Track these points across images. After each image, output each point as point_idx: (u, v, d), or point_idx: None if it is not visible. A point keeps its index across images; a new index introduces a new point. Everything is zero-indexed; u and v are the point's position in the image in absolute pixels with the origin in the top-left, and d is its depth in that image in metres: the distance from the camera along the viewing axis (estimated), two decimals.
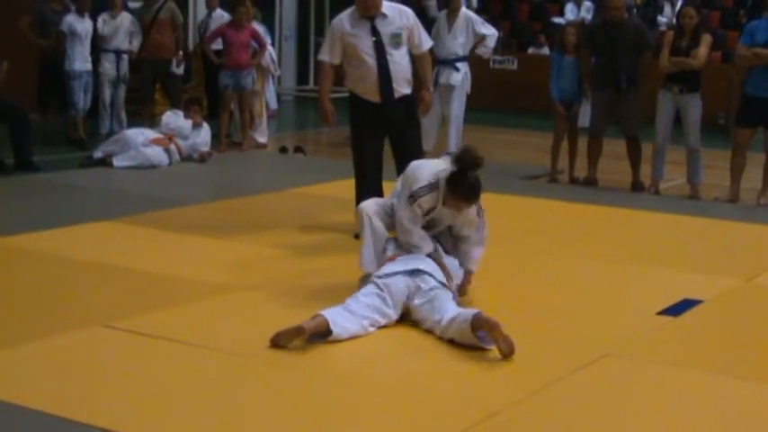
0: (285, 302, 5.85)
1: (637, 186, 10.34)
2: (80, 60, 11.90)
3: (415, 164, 6.00)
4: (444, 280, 5.66)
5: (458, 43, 11.11)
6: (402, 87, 7.45)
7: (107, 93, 12.30)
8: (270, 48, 12.85)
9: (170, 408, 4.38)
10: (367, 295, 5.49)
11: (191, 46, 13.65)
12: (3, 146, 10.13)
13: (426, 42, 7.64)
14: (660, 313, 6.00)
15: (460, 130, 11.53)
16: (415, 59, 7.60)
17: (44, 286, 6.16)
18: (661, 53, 9.91)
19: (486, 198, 9.00)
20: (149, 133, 10.85)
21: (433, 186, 5.75)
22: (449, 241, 6.05)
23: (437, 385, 4.79)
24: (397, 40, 7.37)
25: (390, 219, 6.00)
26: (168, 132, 10.90)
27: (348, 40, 7.36)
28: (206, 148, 11.19)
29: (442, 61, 10.78)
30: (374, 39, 7.32)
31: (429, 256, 5.78)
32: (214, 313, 5.69)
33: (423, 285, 5.54)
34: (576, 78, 10.46)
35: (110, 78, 12.25)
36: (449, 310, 5.37)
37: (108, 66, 12.20)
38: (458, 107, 11.32)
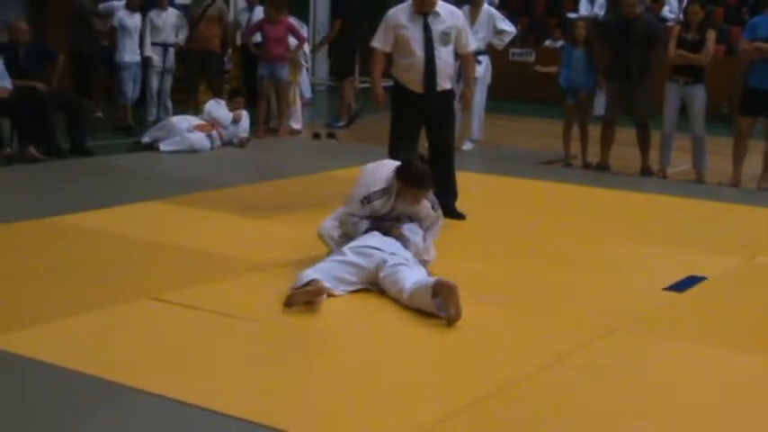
0: None
1: (646, 171, 10.28)
2: (130, 53, 11.97)
3: (371, 166, 6.01)
4: (410, 256, 5.66)
5: (479, 38, 11.05)
6: (444, 82, 7.47)
7: (155, 82, 12.33)
8: None
9: (209, 373, 4.38)
10: (333, 261, 5.56)
11: (238, 40, 13.72)
12: (60, 132, 10.16)
13: (472, 44, 7.74)
14: (666, 289, 5.96)
15: (482, 118, 11.51)
16: (459, 58, 7.71)
17: (96, 261, 6.19)
18: (668, 46, 9.86)
19: (503, 181, 8.94)
20: (193, 120, 10.89)
21: (386, 190, 5.82)
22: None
23: (444, 358, 4.76)
24: (446, 38, 7.41)
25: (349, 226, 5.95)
26: (210, 120, 10.92)
27: (400, 32, 7.39)
28: (245, 135, 11.20)
29: None
30: (425, 34, 7.35)
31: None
32: (254, 288, 5.69)
33: (389, 261, 5.52)
34: (585, 68, 10.37)
35: (157, 69, 12.27)
36: (408, 279, 5.35)
37: (156, 58, 12.22)
38: (480, 97, 11.28)
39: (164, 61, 12.27)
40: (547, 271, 6.33)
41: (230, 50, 13.00)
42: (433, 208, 6.01)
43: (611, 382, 4.50)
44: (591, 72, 10.37)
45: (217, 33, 12.41)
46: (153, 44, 12.17)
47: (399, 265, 5.52)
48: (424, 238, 5.97)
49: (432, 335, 5.06)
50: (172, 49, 12.35)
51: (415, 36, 7.36)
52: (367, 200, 5.83)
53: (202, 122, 10.85)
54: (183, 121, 10.78)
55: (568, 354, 4.79)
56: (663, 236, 7.46)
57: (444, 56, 7.43)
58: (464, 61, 7.85)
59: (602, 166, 10.45)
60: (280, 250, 6.46)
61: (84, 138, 10.29)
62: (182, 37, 12.39)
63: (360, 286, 5.56)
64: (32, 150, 9.70)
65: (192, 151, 10.48)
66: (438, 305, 5.15)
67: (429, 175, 5.84)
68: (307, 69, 14.08)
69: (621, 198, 8.99)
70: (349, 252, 5.62)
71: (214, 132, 10.83)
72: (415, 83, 7.43)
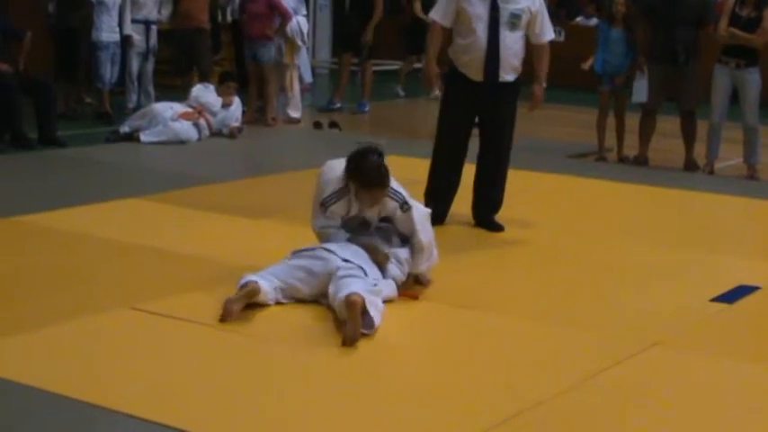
0: None
1: (690, 166, 10.27)
2: (107, 31, 11.90)
3: (328, 164, 5.89)
4: (367, 269, 5.50)
5: None
6: (507, 73, 7.22)
7: (135, 65, 12.34)
8: (300, 18, 12.74)
9: (195, 393, 4.41)
10: (282, 265, 5.58)
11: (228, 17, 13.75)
12: (27, 120, 10.19)
13: (548, 33, 7.36)
14: (714, 300, 5.97)
15: None
16: (531, 49, 7.36)
17: (69, 266, 6.21)
18: (719, 23, 9.82)
19: (530, 177, 8.88)
20: (178, 107, 10.90)
21: (342, 191, 5.71)
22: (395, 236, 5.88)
23: (459, 377, 4.75)
24: (514, 20, 7.13)
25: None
26: (197, 106, 10.94)
27: (464, 5, 7.14)
28: (236, 123, 11.22)
29: None
30: (491, 12, 7.10)
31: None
32: None
33: (341, 269, 5.41)
34: (624, 51, 10.37)
35: (139, 50, 12.27)
36: (340, 290, 5.21)
37: (137, 37, 12.19)
38: None
39: (146, 41, 12.29)
40: (578, 278, 6.34)
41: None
42: (401, 208, 5.73)
43: (647, 404, 4.50)
44: (629, 54, 10.36)
45: (203, 7, 12.41)
46: (134, 21, 12.17)
47: (349, 277, 5.34)
48: (413, 256, 5.79)
49: (446, 349, 5.08)
50: (155, 28, 12.36)
51: (478, 12, 7.11)
52: (323, 205, 5.74)
53: (188, 110, 10.87)
54: (167, 109, 10.79)
55: (600, 372, 4.80)
56: (710, 239, 7.46)
57: (510, 42, 7.14)
58: (537, 52, 7.38)
59: (641, 160, 10.44)
60: (273, 253, 6.45)
61: (54, 126, 10.32)
62: (165, 13, 12.40)
63: (307, 298, 5.52)
64: None
65: (178, 142, 10.51)
66: (366, 323, 5.05)
67: (381, 171, 5.62)
68: (307, 50, 14.07)
69: (663, 196, 8.99)
70: (302, 255, 5.61)
71: (202, 121, 10.85)
72: (473, 68, 7.19)
